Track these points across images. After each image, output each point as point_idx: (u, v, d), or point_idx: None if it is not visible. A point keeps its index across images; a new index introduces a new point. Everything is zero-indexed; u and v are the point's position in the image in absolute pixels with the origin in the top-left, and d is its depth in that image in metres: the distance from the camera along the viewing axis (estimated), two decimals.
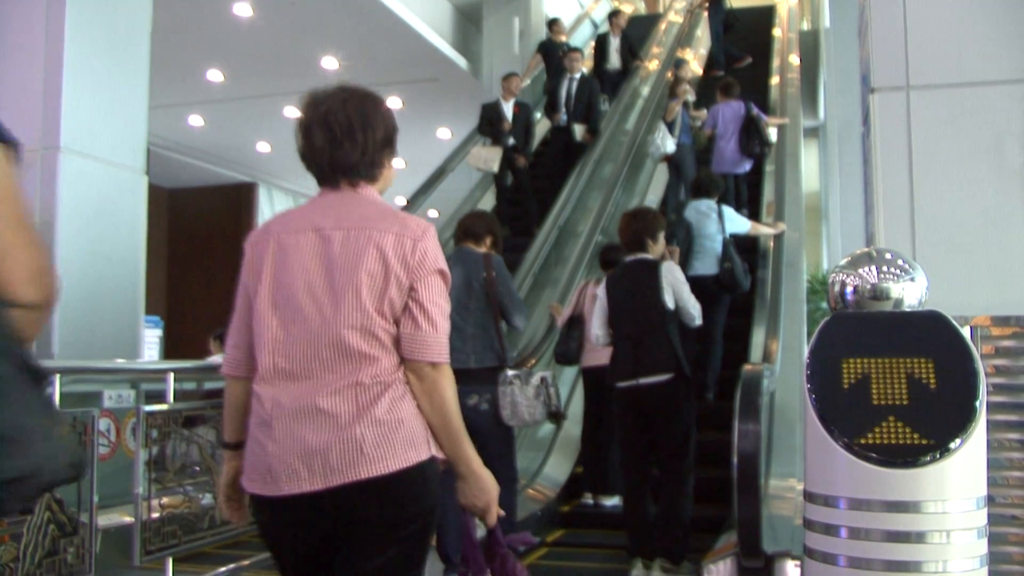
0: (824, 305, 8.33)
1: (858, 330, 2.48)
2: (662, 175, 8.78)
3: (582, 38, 12.39)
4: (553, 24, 10.53)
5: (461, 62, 10.89)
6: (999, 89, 3.61)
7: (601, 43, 10.59)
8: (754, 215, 7.10)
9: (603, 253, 5.77)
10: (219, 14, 9.06)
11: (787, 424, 4.97)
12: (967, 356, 2.36)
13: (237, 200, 15.13)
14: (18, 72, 4.92)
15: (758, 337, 5.72)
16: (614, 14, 10.78)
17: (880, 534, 2.23)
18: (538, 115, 9.98)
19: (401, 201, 9.73)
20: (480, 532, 2.05)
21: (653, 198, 8.88)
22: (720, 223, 6.10)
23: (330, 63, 10.42)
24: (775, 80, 9.75)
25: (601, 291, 4.41)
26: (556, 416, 4.13)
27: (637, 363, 4.12)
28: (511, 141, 8.45)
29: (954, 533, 2.22)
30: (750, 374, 3.73)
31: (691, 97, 8.59)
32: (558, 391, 4.17)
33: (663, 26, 12.54)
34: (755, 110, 7.74)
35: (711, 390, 5.96)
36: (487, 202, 8.80)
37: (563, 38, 10.39)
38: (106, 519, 3.69)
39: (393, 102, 11.60)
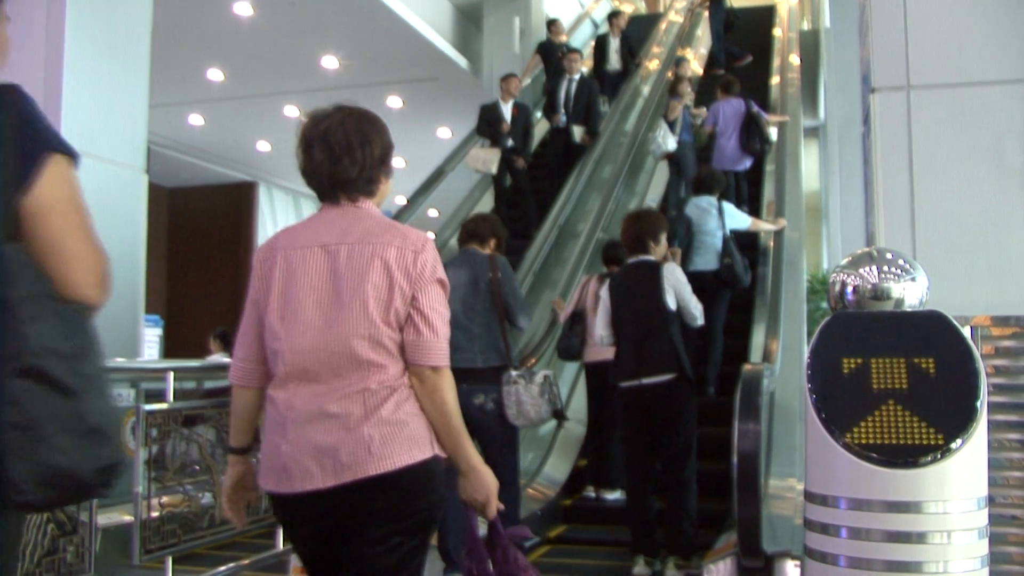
0: (824, 305, 8.32)
1: (859, 330, 2.48)
2: (662, 175, 8.77)
3: (582, 38, 12.38)
4: (552, 24, 10.48)
5: (461, 61, 10.88)
6: (999, 89, 3.61)
7: (601, 44, 10.54)
8: (754, 213, 7.09)
9: (605, 250, 5.79)
10: (219, 14, 9.06)
11: (787, 424, 4.97)
12: (968, 356, 2.36)
13: (237, 199, 15.14)
14: (18, 72, 4.86)
15: (758, 337, 5.72)
16: (614, 15, 10.72)
17: (880, 534, 2.23)
18: (537, 116, 9.94)
19: (401, 201, 9.73)
20: (482, 530, 2.11)
21: (653, 197, 8.87)
22: (720, 219, 6.11)
23: (330, 62, 10.41)
24: (775, 80, 9.74)
25: (604, 293, 4.44)
26: (558, 415, 4.18)
27: (640, 363, 4.16)
28: (510, 143, 8.41)
29: (955, 533, 2.22)
30: (750, 374, 3.73)
31: (689, 100, 8.58)
32: (559, 390, 4.22)
33: (663, 25, 12.53)
34: (755, 107, 7.74)
35: (712, 385, 6.00)
36: (486, 203, 8.79)
37: (562, 38, 10.35)
38: (106, 518, 3.69)
39: (393, 101, 11.60)
